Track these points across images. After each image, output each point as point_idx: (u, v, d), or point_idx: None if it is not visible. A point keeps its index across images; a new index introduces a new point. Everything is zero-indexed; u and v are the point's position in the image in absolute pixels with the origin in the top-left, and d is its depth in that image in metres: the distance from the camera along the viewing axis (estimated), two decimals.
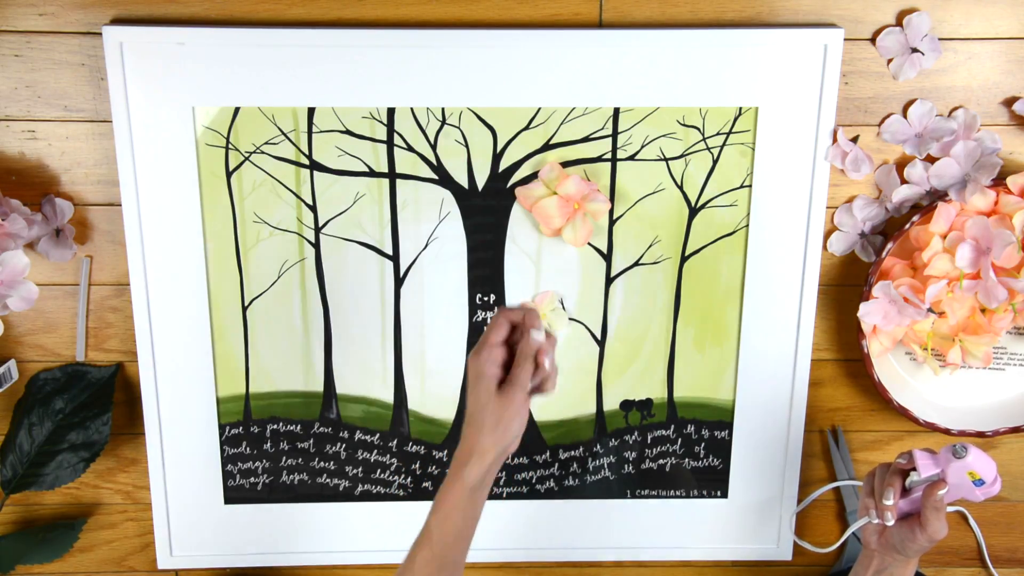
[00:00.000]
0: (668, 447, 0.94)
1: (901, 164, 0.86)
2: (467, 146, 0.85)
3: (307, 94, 0.82)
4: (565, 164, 0.85)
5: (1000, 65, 0.84)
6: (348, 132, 0.84)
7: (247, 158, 0.84)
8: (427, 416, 0.92)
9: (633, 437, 0.93)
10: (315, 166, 0.85)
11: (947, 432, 0.90)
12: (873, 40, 0.83)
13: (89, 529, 0.96)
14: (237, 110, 0.83)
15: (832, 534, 0.98)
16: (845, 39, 0.82)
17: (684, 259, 0.88)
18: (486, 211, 0.86)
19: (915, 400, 0.91)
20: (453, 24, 0.82)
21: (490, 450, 0.70)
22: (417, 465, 0.94)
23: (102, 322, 0.89)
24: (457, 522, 0.71)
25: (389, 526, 0.95)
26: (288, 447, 0.92)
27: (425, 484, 0.94)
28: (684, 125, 0.84)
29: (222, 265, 0.87)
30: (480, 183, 0.86)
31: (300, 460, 0.93)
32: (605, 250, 0.88)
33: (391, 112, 0.83)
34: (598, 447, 0.94)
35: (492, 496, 0.95)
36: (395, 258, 0.88)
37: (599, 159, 0.85)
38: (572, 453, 0.94)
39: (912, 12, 0.82)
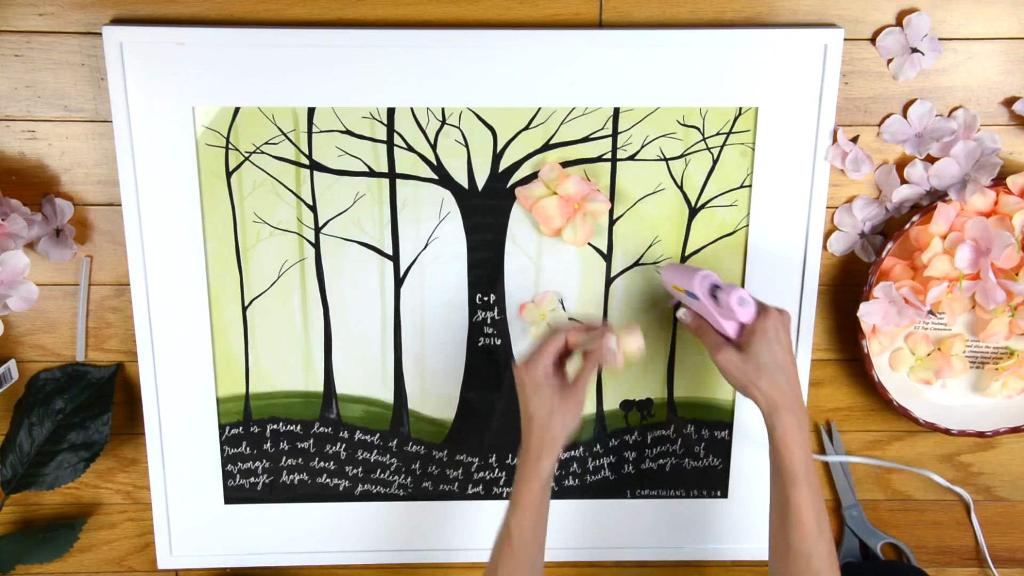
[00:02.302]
0: (668, 447, 0.94)
1: (901, 164, 0.86)
2: (467, 146, 0.85)
3: (307, 94, 0.82)
4: (565, 164, 0.85)
5: (1000, 65, 0.84)
6: (348, 132, 0.84)
7: (247, 158, 0.84)
8: (427, 416, 0.92)
9: (633, 437, 0.93)
10: (315, 166, 0.85)
11: (947, 432, 0.91)
12: (873, 40, 0.83)
13: (89, 529, 0.96)
14: (237, 110, 0.83)
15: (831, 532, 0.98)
16: (845, 39, 0.83)
17: (684, 259, 0.88)
18: (486, 211, 0.86)
19: (915, 400, 0.91)
20: (453, 24, 0.82)
21: (560, 443, 0.77)
22: (417, 465, 0.94)
23: (102, 322, 0.89)
24: (533, 518, 0.77)
25: (389, 526, 0.95)
26: (288, 447, 0.92)
27: (425, 484, 0.94)
28: (684, 125, 0.84)
29: (222, 265, 0.87)
30: (480, 183, 0.86)
31: (300, 460, 0.93)
32: (605, 250, 0.88)
33: (391, 112, 0.83)
34: (598, 447, 0.94)
35: (492, 496, 0.95)
36: (395, 258, 0.88)
37: (599, 159, 0.85)
38: (572, 453, 0.94)
39: (912, 12, 0.82)
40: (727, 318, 0.78)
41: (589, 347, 0.78)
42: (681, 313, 0.83)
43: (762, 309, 0.77)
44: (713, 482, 0.95)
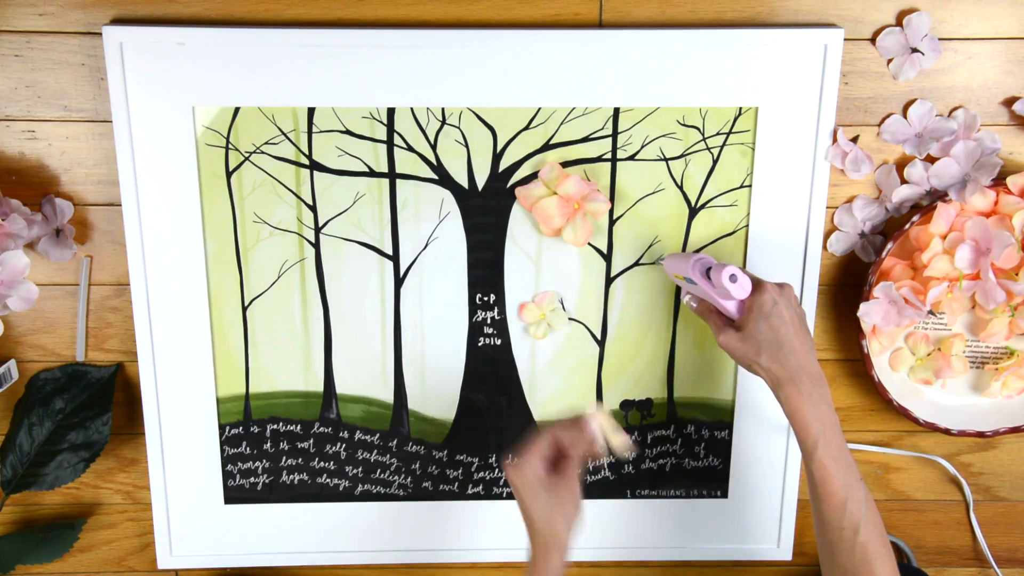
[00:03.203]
0: (668, 447, 0.94)
1: (901, 164, 0.86)
2: (467, 146, 0.85)
3: (307, 94, 0.82)
4: (565, 164, 0.85)
5: (1000, 65, 0.84)
6: (348, 132, 0.84)
7: (247, 158, 0.84)
8: (427, 416, 0.92)
9: (633, 437, 0.93)
10: (315, 166, 0.85)
11: (947, 432, 0.91)
12: (873, 40, 0.83)
13: (89, 529, 0.96)
14: (237, 110, 0.83)
15: None
16: (845, 39, 0.83)
17: None
18: (486, 211, 0.86)
19: (915, 400, 0.91)
20: (453, 24, 0.82)
21: (566, 538, 0.75)
22: (417, 465, 0.94)
23: (102, 322, 0.89)
24: None
25: (389, 526, 0.95)
26: (288, 447, 0.92)
27: (425, 484, 0.94)
28: (684, 125, 0.84)
29: (222, 265, 0.87)
30: (480, 183, 0.86)
31: (300, 460, 0.93)
32: (605, 250, 0.88)
33: (391, 112, 0.83)
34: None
35: (492, 496, 0.95)
36: (395, 258, 0.88)
37: (599, 159, 0.85)
38: None
39: (912, 12, 0.82)
40: (725, 298, 0.78)
41: (576, 440, 0.76)
42: (686, 299, 0.84)
43: (758, 285, 0.78)
44: (713, 482, 0.95)
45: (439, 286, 0.88)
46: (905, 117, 0.85)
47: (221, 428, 0.91)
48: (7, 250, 0.80)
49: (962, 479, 0.97)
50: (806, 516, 0.97)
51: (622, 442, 0.76)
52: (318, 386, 0.91)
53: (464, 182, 0.86)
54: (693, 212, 0.87)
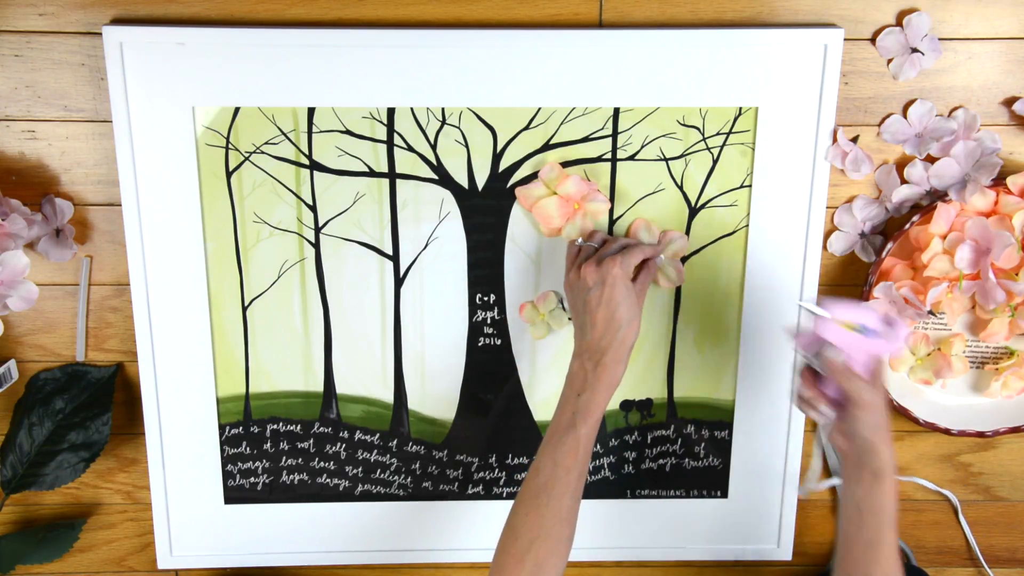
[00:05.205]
0: (668, 447, 0.94)
1: (901, 164, 0.86)
2: (467, 146, 0.85)
3: (307, 94, 0.82)
4: (565, 164, 0.85)
5: (1000, 65, 0.84)
6: (348, 132, 0.84)
7: (247, 158, 0.84)
8: (427, 416, 0.92)
9: (633, 437, 0.93)
10: (315, 166, 0.85)
11: (947, 432, 0.91)
12: (873, 40, 0.83)
13: (89, 529, 0.96)
14: (237, 110, 0.83)
15: (831, 532, 0.98)
16: (845, 39, 0.83)
17: (684, 259, 0.88)
18: (486, 211, 0.86)
19: (915, 400, 0.91)
20: (453, 24, 0.82)
21: (631, 351, 0.78)
22: (417, 465, 0.94)
23: (102, 322, 0.89)
24: (596, 429, 0.77)
25: (389, 526, 0.95)
26: (288, 447, 0.92)
27: (425, 484, 0.94)
28: (684, 125, 0.84)
29: (222, 265, 0.87)
30: (480, 183, 0.86)
31: (300, 460, 0.93)
32: None
33: (391, 112, 0.83)
34: (598, 447, 0.94)
35: (492, 496, 0.95)
36: (395, 258, 0.88)
37: (599, 159, 0.85)
38: None
39: (912, 12, 0.82)
40: (885, 350, 0.72)
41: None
42: (831, 354, 0.74)
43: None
44: (713, 482, 0.95)
45: (439, 286, 0.88)
46: (905, 117, 0.85)
47: (221, 428, 0.91)
48: (7, 250, 0.80)
49: (949, 494, 0.97)
50: (806, 516, 0.97)
51: (680, 245, 0.86)
52: (318, 386, 0.91)
53: (464, 182, 0.86)
54: (693, 212, 0.87)
